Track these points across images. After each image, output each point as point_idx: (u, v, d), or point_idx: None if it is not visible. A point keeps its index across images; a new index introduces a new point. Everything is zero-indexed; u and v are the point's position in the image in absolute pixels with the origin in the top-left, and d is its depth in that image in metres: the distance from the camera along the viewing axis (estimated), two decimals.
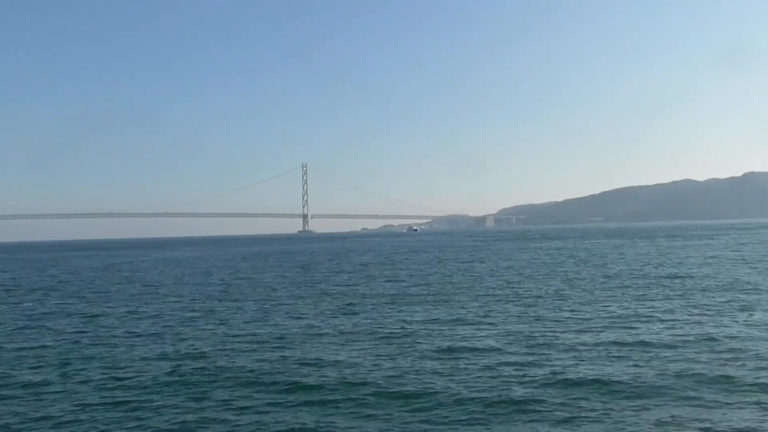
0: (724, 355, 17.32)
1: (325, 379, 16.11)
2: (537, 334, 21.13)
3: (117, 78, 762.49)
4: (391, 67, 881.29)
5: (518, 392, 14.35)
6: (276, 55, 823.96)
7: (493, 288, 36.70)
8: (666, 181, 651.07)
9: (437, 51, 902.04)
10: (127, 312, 30.89)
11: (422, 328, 23.19)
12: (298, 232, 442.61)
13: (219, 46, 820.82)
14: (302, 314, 28.07)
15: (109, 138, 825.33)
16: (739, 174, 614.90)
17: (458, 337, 21.22)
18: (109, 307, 33.06)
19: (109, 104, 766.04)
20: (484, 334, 21.53)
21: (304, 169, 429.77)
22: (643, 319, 23.72)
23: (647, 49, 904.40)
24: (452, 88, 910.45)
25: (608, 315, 24.89)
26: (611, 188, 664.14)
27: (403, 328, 23.32)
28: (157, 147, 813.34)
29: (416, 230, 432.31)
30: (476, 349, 19.04)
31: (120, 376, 17.16)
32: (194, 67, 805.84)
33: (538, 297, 31.46)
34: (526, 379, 15.48)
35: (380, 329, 23.13)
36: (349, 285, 41.87)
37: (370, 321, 25.35)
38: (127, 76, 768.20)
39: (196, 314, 29.15)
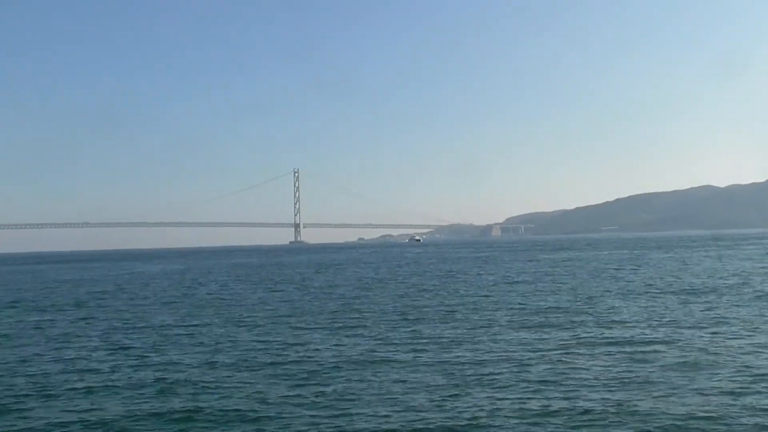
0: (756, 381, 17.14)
1: (322, 408, 15.88)
2: (554, 358, 20.96)
3: (116, 78, 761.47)
4: (390, 67, 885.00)
5: (533, 419, 14.14)
6: (272, 56, 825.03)
7: (505, 306, 36.53)
8: (684, 188, 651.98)
9: (438, 52, 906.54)
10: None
11: (426, 349, 22.99)
12: (290, 242, 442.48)
13: (216, 47, 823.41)
14: (294, 336, 27.84)
15: (99, 142, 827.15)
16: (762, 179, 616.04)
17: (466, 360, 21.02)
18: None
19: (104, 106, 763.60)
20: (496, 357, 21.35)
21: (296, 175, 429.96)
22: (666, 340, 23.52)
23: (665, 50, 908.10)
24: (454, 90, 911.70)
25: (628, 334, 24.72)
26: (625, 195, 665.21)
27: (406, 351, 23.13)
28: (145, 151, 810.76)
29: (419, 240, 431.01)
30: (486, 373, 18.86)
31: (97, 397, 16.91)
32: (185, 68, 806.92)
33: (550, 313, 31.28)
34: (540, 405, 15.28)
35: (382, 352, 22.92)
36: (348, 302, 41.67)
37: (371, 343, 25.14)
38: (126, 77, 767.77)
39: (179, 334, 28.86)
